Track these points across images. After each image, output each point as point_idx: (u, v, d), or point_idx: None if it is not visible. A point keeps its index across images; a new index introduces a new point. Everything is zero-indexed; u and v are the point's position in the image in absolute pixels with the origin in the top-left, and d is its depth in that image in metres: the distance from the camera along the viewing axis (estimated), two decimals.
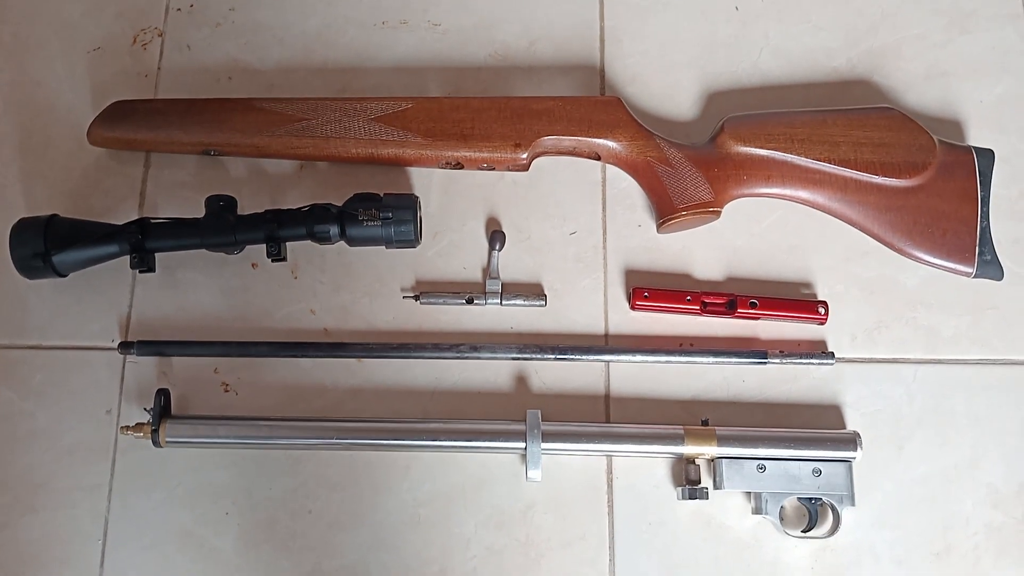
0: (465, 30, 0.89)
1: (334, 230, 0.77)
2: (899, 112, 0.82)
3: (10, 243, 0.76)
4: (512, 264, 0.82)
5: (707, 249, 0.83)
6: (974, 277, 0.80)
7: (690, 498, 0.74)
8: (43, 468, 0.78)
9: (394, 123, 0.81)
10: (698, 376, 0.79)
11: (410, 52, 0.89)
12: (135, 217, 0.79)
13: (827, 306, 0.80)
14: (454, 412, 0.79)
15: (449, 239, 0.83)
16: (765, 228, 0.83)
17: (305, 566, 0.76)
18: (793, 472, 0.74)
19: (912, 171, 0.80)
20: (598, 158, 0.84)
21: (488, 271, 0.82)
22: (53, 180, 0.85)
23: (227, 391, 0.79)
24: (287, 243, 0.79)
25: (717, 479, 0.75)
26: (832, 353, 0.79)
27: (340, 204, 0.78)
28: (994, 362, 0.80)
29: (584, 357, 0.79)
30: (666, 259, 0.83)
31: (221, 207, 0.78)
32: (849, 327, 0.81)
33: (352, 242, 0.79)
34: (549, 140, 0.81)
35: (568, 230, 0.83)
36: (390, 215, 0.77)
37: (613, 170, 0.84)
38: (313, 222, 0.77)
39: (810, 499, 0.75)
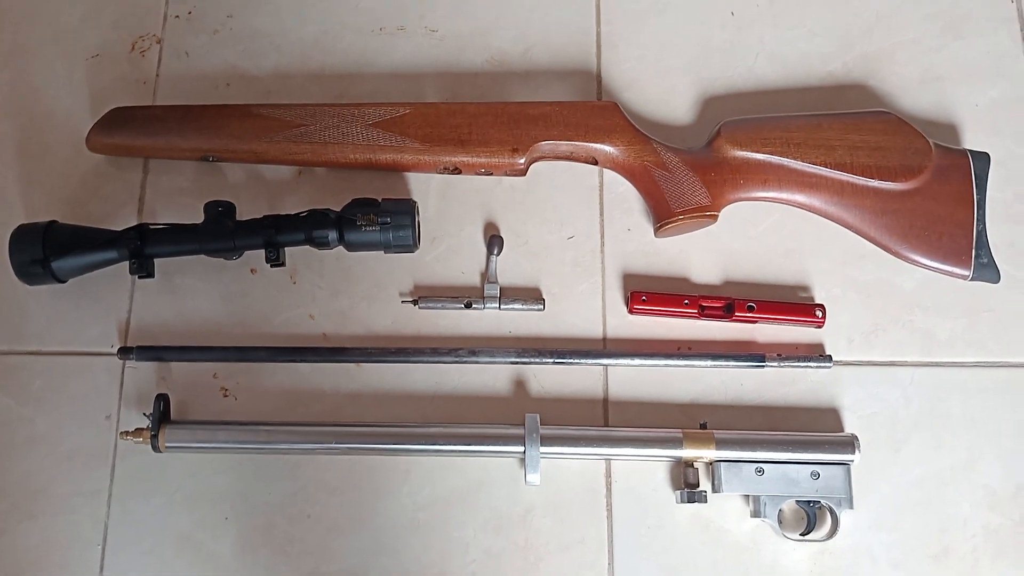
0: (462, 36, 0.89)
1: (332, 235, 0.77)
2: (895, 116, 0.83)
3: (9, 249, 0.76)
4: (510, 269, 0.82)
5: (704, 253, 0.83)
6: (970, 280, 0.80)
7: (689, 501, 0.74)
8: (42, 474, 0.78)
9: (392, 129, 0.81)
10: (696, 379, 0.80)
11: (407, 58, 0.89)
12: (134, 223, 0.79)
13: (824, 309, 0.80)
14: (453, 416, 0.79)
15: (447, 244, 0.83)
16: (762, 232, 0.84)
17: (304, 570, 0.76)
18: (791, 475, 0.74)
19: (908, 175, 0.80)
20: (595, 163, 0.84)
21: (486, 276, 0.82)
22: (52, 186, 0.85)
23: (226, 396, 0.80)
24: (286, 248, 0.79)
25: (715, 482, 0.75)
26: (829, 356, 0.79)
27: (338, 209, 0.78)
28: (990, 365, 0.80)
29: (582, 361, 0.79)
30: (664, 263, 0.83)
31: (220, 213, 0.78)
32: (846, 330, 0.81)
33: (351, 247, 0.79)
34: (546, 145, 0.81)
35: (566, 234, 0.84)
36: (388, 220, 0.77)
37: (610, 175, 0.85)
38: (311, 227, 0.77)
39: (808, 502, 0.75)
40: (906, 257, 0.81)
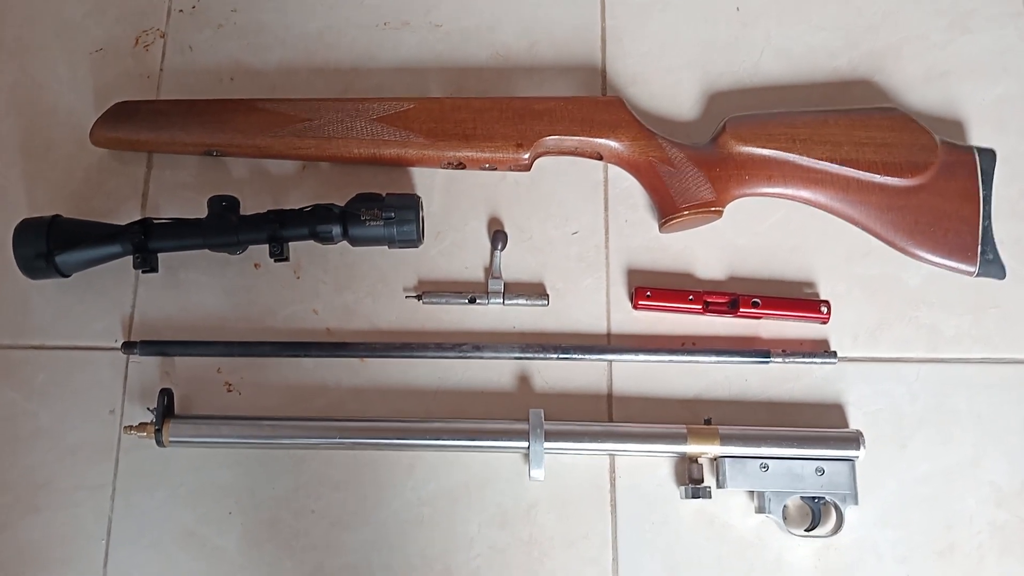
0: (467, 31, 0.89)
1: (336, 230, 0.77)
2: (901, 112, 0.82)
3: (13, 244, 0.76)
4: (514, 264, 0.82)
5: (709, 249, 0.83)
6: (976, 276, 0.80)
7: (693, 497, 0.74)
8: (46, 468, 0.78)
9: (396, 123, 0.81)
10: (700, 375, 0.79)
11: (412, 53, 0.89)
12: (138, 217, 0.79)
13: (829, 305, 0.80)
14: (457, 411, 0.79)
15: (451, 239, 0.83)
16: (767, 228, 0.83)
17: (308, 565, 0.76)
18: (796, 471, 0.74)
19: (914, 171, 0.80)
20: (600, 158, 0.84)
21: (490, 271, 0.82)
22: (56, 181, 0.85)
23: (230, 391, 0.79)
24: (290, 243, 0.79)
25: (720, 478, 0.75)
26: (834, 352, 0.79)
27: (342, 204, 0.78)
28: (996, 361, 0.80)
29: (587, 356, 0.79)
30: (668, 259, 0.83)
31: (224, 207, 0.78)
32: (851, 326, 0.81)
33: (355, 242, 0.79)
34: (551, 140, 0.81)
35: (570, 230, 0.84)
36: (392, 215, 0.77)
37: (615, 170, 0.85)
38: (316, 222, 0.77)
39: (813, 498, 0.75)
40: (912, 253, 0.80)
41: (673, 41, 0.89)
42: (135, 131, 0.82)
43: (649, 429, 0.76)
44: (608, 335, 0.81)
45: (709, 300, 0.79)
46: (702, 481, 0.75)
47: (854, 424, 0.78)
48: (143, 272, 0.79)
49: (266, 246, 0.78)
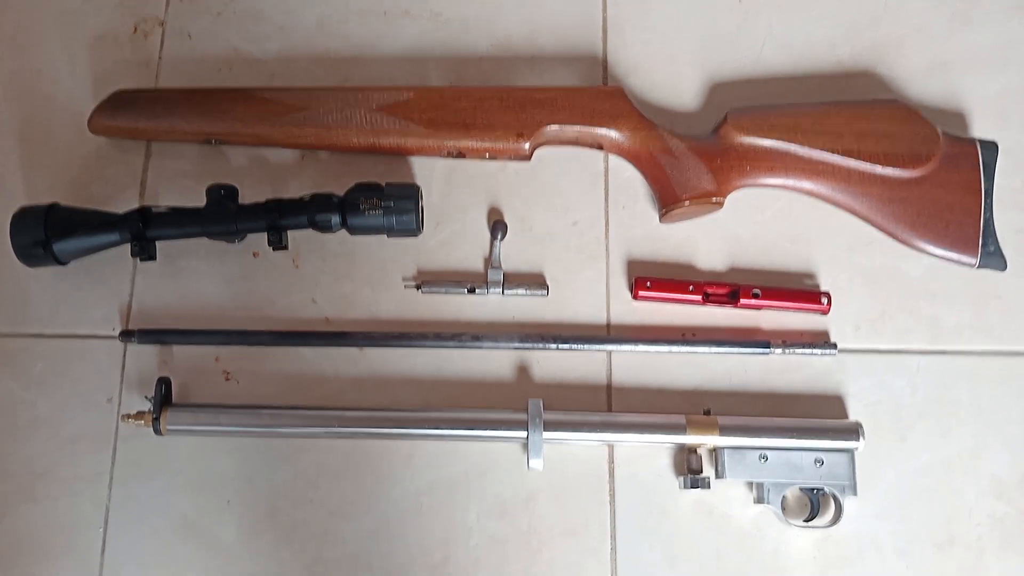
0: (467, 20, 0.89)
1: (335, 219, 0.77)
2: (903, 104, 0.82)
3: (11, 231, 0.75)
4: (514, 254, 0.82)
5: (710, 239, 0.83)
6: (977, 268, 0.80)
7: (692, 487, 0.74)
8: (44, 457, 0.78)
9: (396, 112, 0.81)
10: (700, 366, 0.79)
11: (412, 42, 0.88)
12: (136, 206, 0.79)
13: (830, 296, 0.79)
14: (456, 401, 0.79)
15: (451, 229, 0.83)
16: (768, 218, 0.83)
17: (307, 555, 0.76)
18: (795, 462, 0.74)
19: (916, 162, 0.80)
20: (600, 148, 0.83)
21: (490, 261, 0.81)
22: (54, 169, 0.85)
23: (228, 380, 0.79)
24: (288, 232, 0.79)
25: (719, 468, 0.74)
26: (835, 343, 0.79)
27: (342, 193, 0.78)
28: (997, 353, 0.80)
29: (586, 347, 0.79)
30: (669, 249, 0.82)
31: (222, 196, 0.77)
32: (852, 317, 0.80)
33: (354, 231, 0.78)
34: (551, 130, 0.81)
35: (570, 220, 0.83)
36: (392, 204, 0.77)
37: (616, 160, 0.84)
38: (315, 211, 0.77)
39: (812, 489, 0.75)
40: (913, 245, 0.80)
41: (675, 31, 0.89)
42: (134, 119, 0.82)
43: (648, 419, 0.75)
44: (608, 325, 0.81)
45: (709, 291, 0.79)
46: (701, 471, 0.75)
47: (854, 415, 0.78)
48: (141, 260, 0.78)
49: (265, 235, 0.77)
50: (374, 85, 0.84)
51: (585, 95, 0.82)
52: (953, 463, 0.77)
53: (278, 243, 0.77)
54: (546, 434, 0.74)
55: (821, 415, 0.78)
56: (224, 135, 0.82)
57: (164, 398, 0.75)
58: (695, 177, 0.79)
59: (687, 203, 0.79)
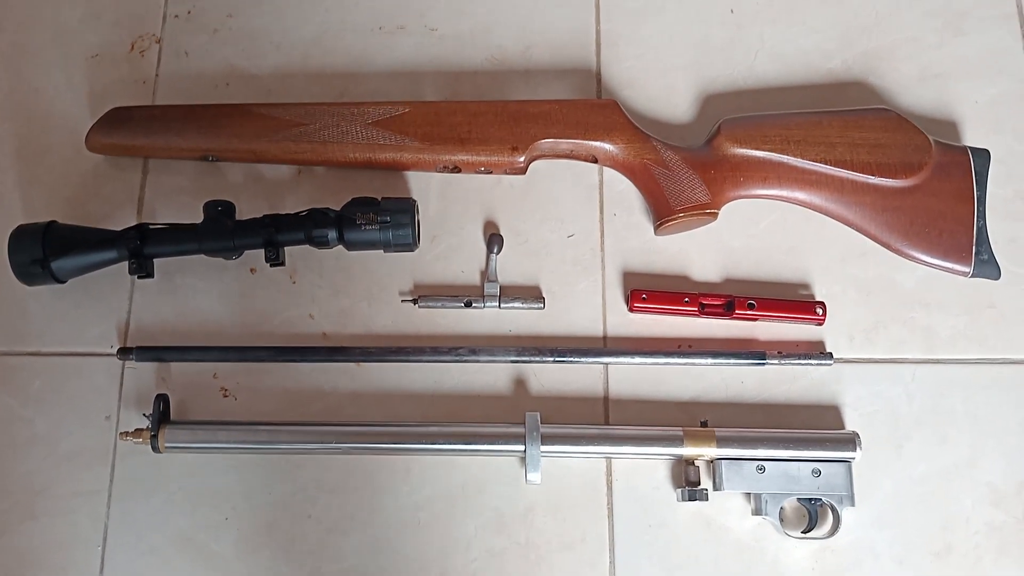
0: (462, 35, 0.89)
1: (332, 234, 0.77)
2: (895, 113, 0.83)
3: (9, 250, 0.76)
4: (510, 267, 0.82)
5: (705, 251, 0.83)
6: (971, 277, 0.80)
7: (690, 499, 0.74)
8: (42, 474, 0.78)
9: (392, 127, 0.81)
10: (697, 377, 0.79)
11: (407, 57, 0.89)
12: (133, 223, 0.79)
13: (825, 307, 0.80)
14: (453, 415, 0.79)
15: (447, 243, 0.83)
16: (762, 229, 0.84)
17: (305, 570, 0.76)
18: (792, 473, 0.74)
19: (908, 171, 0.80)
20: (595, 161, 0.84)
21: (486, 274, 0.82)
22: (51, 186, 0.85)
23: (226, 396, 0.79)
24: (285, 248, 0.79)
25: (717, 480, 0.75)
26: (830, 354, 0.79)
27: (338, 209, 0.78)
28: (992, 361, 0.80)
29: (583, 359, 0.79)
30: (664, 261, 0.83)
31: (219, 212, 0.78)
32: (847, 327, 0.81)
33: (350, 246, 0.79)
34: (546, 143, 0.81)
35: (566, 233, 0.84)
36: (388, 219, 0.77)
37: (610, 173, 0.85)
38: (311, 226, 0.77)
39: (810, 500, 0.75)
40: (907, 254, 0.80)
41: (667, 44, 0.89)
42: (131, 136, 0.82)
43: (645, 432, 0.76)
44: (604, 338, 0.81)
45: (705, 302, 0.80)
46: (699, 483, 0.75)
47: (850, 425, 0.78)
48: (139, 277, 0.79)
49: (262, 251, 0.78)
50: (370, 100, 0.84)
51: (579, 108, 0.82)
52: (950, 472, 0.77)
53: (275, 259, 0.78)
54: (544, 448, 0.74)
55: (818, 426, 0.78)
56: (221, 151, 0.82)
57: (162, 415, 0.75)
58: (689, 189, 0.80)
59: (682, 215, 0.79)
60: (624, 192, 0.84)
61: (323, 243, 0.78)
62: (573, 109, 0.82)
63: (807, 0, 0.91)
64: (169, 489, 0.77)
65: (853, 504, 0.74)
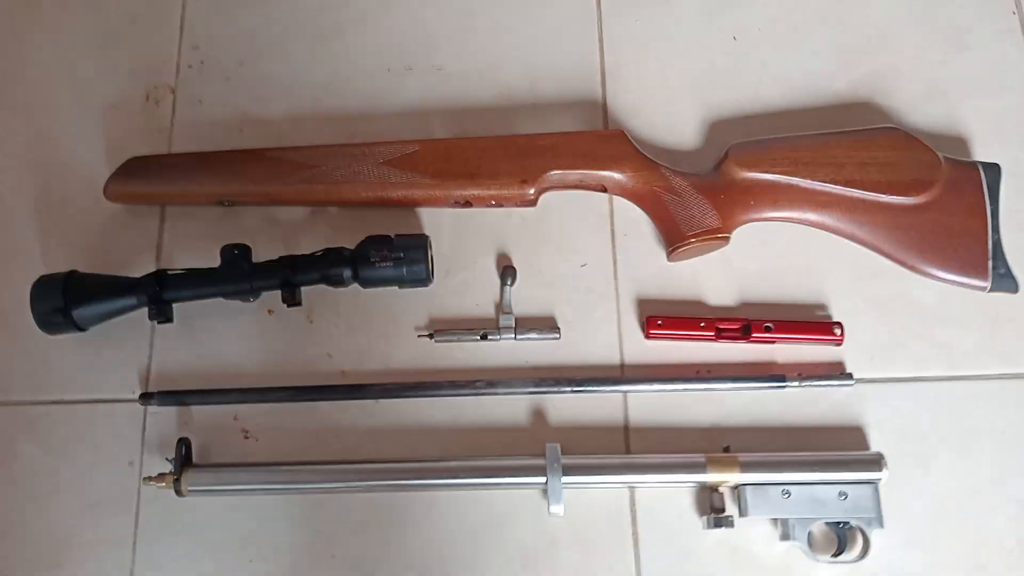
0: (468, 73, 0.91)
1: (347, 273, 0.78)
2: (902, 131, 0.83)
3: (31, 301, 0.77)
4: (525, 299, 0.83)
5: (719, 275, 0.83)
6: (989, 291, 0.79)
7: (716, 527, 0.73)
8: (67, 523, 0.78)
9: (403, 165, 0.82)
10: (717, 402, 0.79)
11: (416, 96, 0.90)
12: (152, 269, 0.80)
13: (843, 327, 0.79)
14: (473, 449, 0.78)
15: (461, 277, 0.84)
16: (776, 252, 0.84)
17: None
18: (819, 496, 0.73)
19: (919, 189, 0.80)
20: (604, 190, 0.84)
21: (501, 306, 0.82)
22: (71, 237, 0.86)
23: (247, 438, 0.80)
24: (302, 288, 0.80)
25: (742, 506, 0.74)
26: (851, 374, 0.78)
27: (352, 247, 0.79)
28: (1015, 376, 0.79)
29: (601, 388, 0.79)
30: (678, 287, 0.83)
31: (236, 256, 0.79)
32: (866, 347, 0.80)
33: (365, 284, 0.79)
34: (555, 175, 0.82)
35: (579, 262, 0.84)
36: (402, 256, 0.78)
37: (621, 201, 0.85)
38: (326, 266, 0.78)
39: (838, 523, 0.74)
40: (923, 271, 0.80)
41: (672, 72, 0.90)
42: (148, 185, 0.84)
43: (668, 459, 0.75)
44: (621, 366, 0.81)
45: (721, 326, 0.79)
46: (724, 510, 0.74)
47: (875, 446, 0.77)
48: (159, 323, 0.80)
49: (279, 292, 0.78)
50: (380, 140, 0.85)
51: (587, 139, 0.83)
52: (979, 489, 0.76)
53: (292, 300, 0.78)
54: (565, 479, 0.73)
55: (842, 447, 0.77)
56: (236, 196, 0.84)
57: (184, 459, 0.76)
58: (700, 214, 0.80)
59: (693, 241, 0.80)
60: (635, 220, 0.85)
61: (339, 282, 0.79)
62: (581, 140, 0.83)
63: (810, 23, 0.92)
64: (193, 532, 0.77)
65: (882, 526, 0.73)
